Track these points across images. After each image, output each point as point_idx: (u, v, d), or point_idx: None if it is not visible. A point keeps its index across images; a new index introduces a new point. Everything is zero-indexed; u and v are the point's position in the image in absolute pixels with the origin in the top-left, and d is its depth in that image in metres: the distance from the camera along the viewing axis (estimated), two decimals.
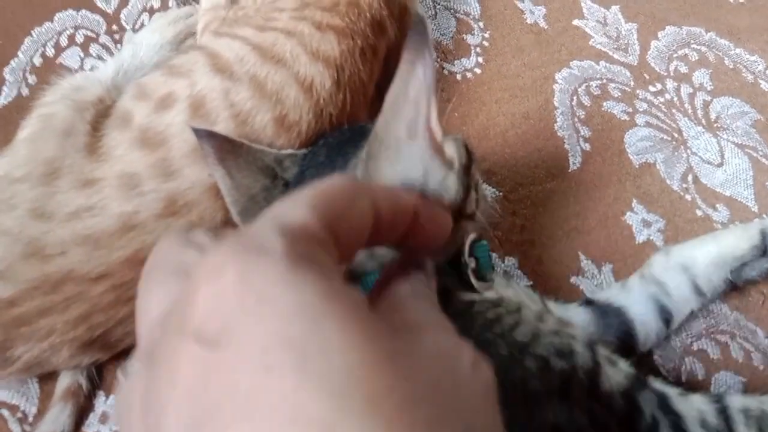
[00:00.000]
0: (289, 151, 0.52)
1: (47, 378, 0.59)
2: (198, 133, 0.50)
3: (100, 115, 0.57)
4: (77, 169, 0.53)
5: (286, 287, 0.21)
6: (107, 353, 0.57)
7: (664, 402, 0.44)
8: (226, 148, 0.49)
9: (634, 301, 0.58)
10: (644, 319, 0.57)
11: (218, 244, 0.23)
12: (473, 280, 0.44)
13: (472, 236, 0.44)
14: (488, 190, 0.69)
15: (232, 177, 0.49)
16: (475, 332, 0.42)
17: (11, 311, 0.52)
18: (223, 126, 0.54)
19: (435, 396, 0.23)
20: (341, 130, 0.52)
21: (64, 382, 0.58)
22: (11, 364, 0.54)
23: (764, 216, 0.68)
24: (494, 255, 0.65)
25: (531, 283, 0.64)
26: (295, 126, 0.56)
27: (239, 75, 0.57)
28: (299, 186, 0.48)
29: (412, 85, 0.37)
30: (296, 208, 0.25)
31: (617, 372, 0.44)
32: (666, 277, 0.58)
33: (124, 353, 0.58)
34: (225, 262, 0.22)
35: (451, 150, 0.40)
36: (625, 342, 0.56)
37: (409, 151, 0.38)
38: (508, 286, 0.51)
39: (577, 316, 0.56)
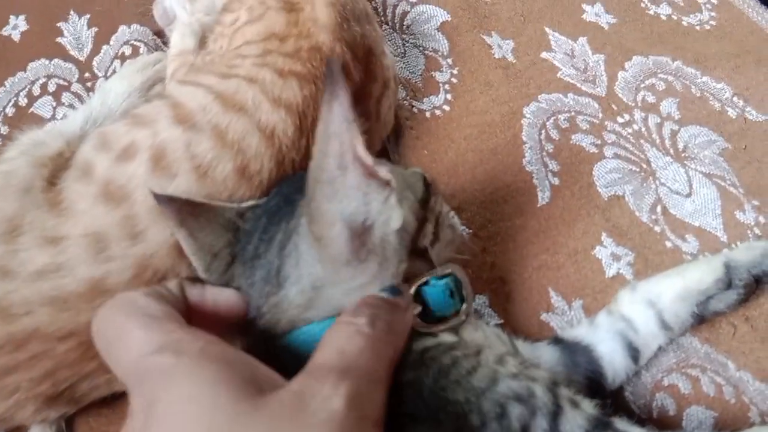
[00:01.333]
0: (250, 203, 0.52)
1: None
2: (158, 198, 0.50)
3: (58, 168, 0.57)
4: (39, 226, 0.53)
5: None
6: (74, 407, 0.56)
7: None
8: (186, 210, 0.49)
9: (602, 338, 0.57)
10: (612, 357, 0.57)
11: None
12: (420, 325, 0.44)
13: (418, 281, 0.44)
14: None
15: (195, 237, 0.49)
16: (430, 380, 0.42)
17: None
18: (184, 178, 0.54)
19: None
20: (296, 178, 0.52)
21: None
22: None
23: (733, 246, 0.68)
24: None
25: (501, 321, 0.64)
26: (256, 175, 0.56)
27: (201, 125, 0.57)
28: (250, 238, 0.48)
29: (331, 122, 0.39)
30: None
31: (579, 414, 0.43)
32: (632, 313, 0.58)
33: (92, 406, 0.57)
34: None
35: (384, 171, 0.42)
36: (594, 380, 0.56)
37: (343, 184, 0.40)
38: (476, 327, 0.50)
39: (546, 355, 0.56)
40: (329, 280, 0.43)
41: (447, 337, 0.45)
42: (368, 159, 0.40)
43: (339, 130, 0.39)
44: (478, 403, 0.41)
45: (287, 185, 0.52)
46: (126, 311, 0.40)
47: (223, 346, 0.37)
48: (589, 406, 0.45)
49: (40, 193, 0.55)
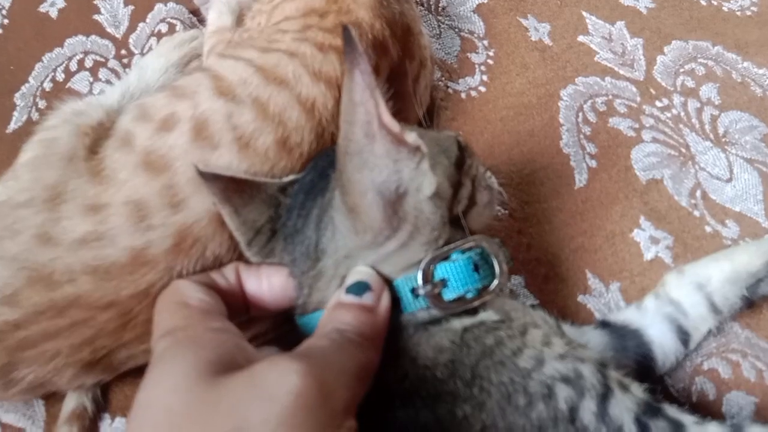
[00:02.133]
0: (290, 177, 0.52)
1: (53, 400, 0.60)
2: (203, 175, 0.50)
3: (99, 137, 0.57)
4: (81, 194, 0.53)
5: None
6: (110, 374, 0.57)
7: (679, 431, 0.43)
8: (231, 188, 0.49)
9: (651, 322, 0.57)
10: (662, 341, 0.56)
11: None
12: (435, 306, 0.42)
13: (428, 257, 0.42)
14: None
15: (239, 214, 0.49)
16: (472, 361, 0.41)
17: (16, 334, 0.52)
18: (226, 149, 0.54)
19: None
20: (328, 151, 0.52)
21: (69, 404, 0.58)
22: (15, 385, 0.54)
23: None
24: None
25: (537, 302, 0.63)
26: (297, 148, 0.56)
27: (242, 97, 0.57)
28: (290, 214, 0.48)
29: (354, 91, 0.38)
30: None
31: (629, 397, 0.43)
32: (681, 296, 0.57)
33: (127, 375, 0.58)
34: None
35: (412, 137, 0.41)
36: (644, 365, 0.55)
37: (372, 152, 0.39)
38: (522, 308, 0.49)
39: (594, 339, 0.56)
40: (366, 250, 0.42)
41: (490, 315, 0.44)
42: (395, 126, 0.40)
43: (363, 98, 0.38)
44: (524, 384, 0.40)
45: (321, 159, 0.51)
46: (168, 297, 0.45)
47: (208, 330, 0.39)
48: (638, 390, 0.44)
49: (82, 162, 0.55)
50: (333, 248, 0.43)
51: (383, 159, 0.40)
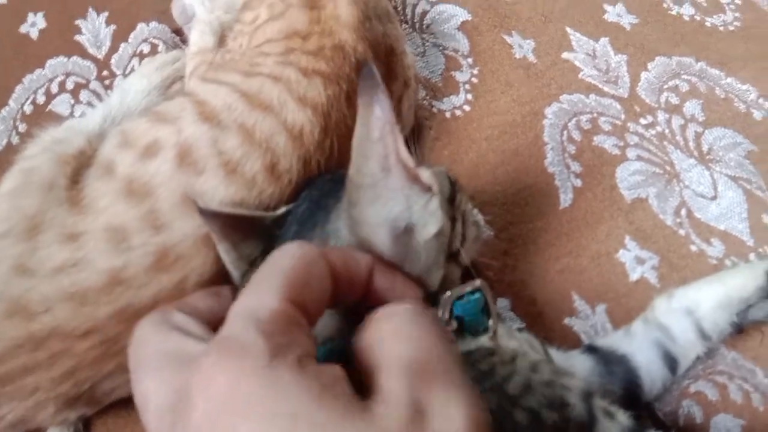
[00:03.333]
0: (284, 209, 0.51)
1: None
2: (203, 212, 0.50)
3: (81, 166, 0.57)
4: (59, 223, 0.52)
5: (269, 391, 0.25)
6: (93, 408, 0.56)
7: None
8: (229, 224, 0.49)
9: (638, 347, 0.56)
10: (649, 367, 0.56)
11: (207, 350, 0.27)
12: (460, 339, 0.42)
13: (449, 294, 0.42)
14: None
15: (236, 249, 0.49)
16: None
17: None
18: (212, 174, 0.54)
19: None
20: (321, 181, 0.52)
21: None
22: None
23: (760, 250, 0.67)
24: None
25: (524, 325, 0.63)
26: (285, 174, 0.55)
27: (227, 123, 0.56)
28: (283, 242, 0.48)
29: (374, 125, 0.38)
30: (264, 296, 0.29)
31: (614, 425, 0.42)
32: (670, 321, 0.57)
33: (111, 407, 0.57)
34: (214, 371, 0.26)
35: (426, 175, 0.41)
36: (631, 391, 0.55)
37: (386, 186, 0.39)
38: (510, 334, 0.49)
39: (580, 364, 0.55)
40: None
41: (485, 341, 0.44)
42: (411, 162, 0.40)
43: (382, 134, 0.38)
44: (512, 410, 0.40)
45: (315, 189, 0.51)
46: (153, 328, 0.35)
47: None
48: (624, 417, 0.43)
49: (62, 191, 0.54)
50: None
51: (397, 193, 0.40)
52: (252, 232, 0.49)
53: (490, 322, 0.44)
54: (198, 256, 0.52)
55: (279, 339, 0.26)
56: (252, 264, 0.49)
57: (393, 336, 0.30)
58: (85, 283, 0.50)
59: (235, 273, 0.50)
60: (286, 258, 0.30)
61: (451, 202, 0.47)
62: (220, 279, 0.52)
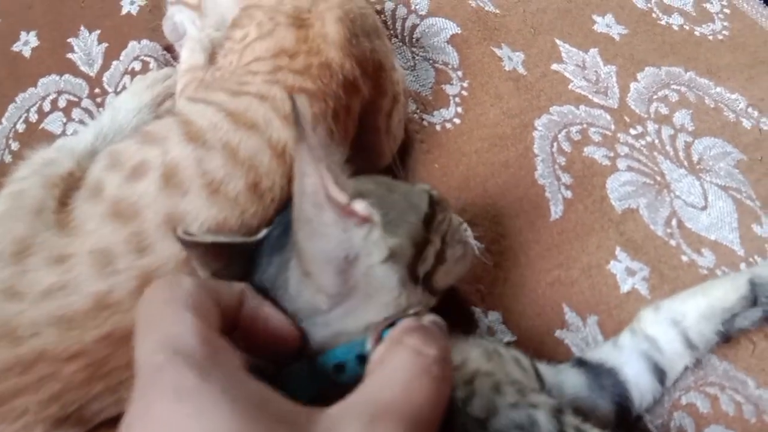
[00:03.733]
0: (264, 233, 0.51)
1: None
2: (184, 243, 0.49)
3: (70, 188, 0.57)
4: (48, 246, 0.52)
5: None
6: (82, 428, 0.55)
7: None
8: (210, 252, 0.49)
9: (627, 360, 0.56)
10: (638, 380, 0.56)
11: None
12: None
13: (375, 323, 0.41)
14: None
15: (219, 276, 0.49)
16: None
17: None
18: (195, 195, 0.54)
19: None
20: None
21: None
22: None
23: (751, 260, 0.67)
24: (476, 310, 0.64)
25: (515, 338, 0.63)
26: (268, 192, 0.55)
27: (212, 143, 0.56)
28: (256, 270, 0.48)
29: (303, 162, 0.38)
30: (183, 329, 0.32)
31: None
32: (656, 332, 0.57)
33: (100, 426, 0.57)
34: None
35: (362, 207, 0.40)
36: (621, 404, 0.55)
37: (320, 223, 0.39)
38: (485, 356, 0.48)
39: (570, 380, 0.55)
40: (320, 314, 0.41)
41: None
42: (342, 198, 0.39)
43: (309, 170, 0.38)
44: None
45: (288, 212, 0.51)
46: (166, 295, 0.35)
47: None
48: None
49: (51, 214, 0.54)
50: (291, 311, 0.42)
51: (331, 228, 0.39)
52: (234, 258, 0.49)
53: None
54: None
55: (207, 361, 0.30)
56: None
57: (399, 382, 0.31)
58: (72, 306, 0.50)
59: None
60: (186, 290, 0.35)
61: (427, 222, 0.47)
62: None
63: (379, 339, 0.40)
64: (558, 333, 0.63)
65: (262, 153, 0.56)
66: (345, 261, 0.40)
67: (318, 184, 0.38)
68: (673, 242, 0.69)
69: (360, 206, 0.40)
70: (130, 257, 0.51)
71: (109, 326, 0.50)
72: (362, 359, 0.40)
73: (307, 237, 0.39)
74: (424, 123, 0.79)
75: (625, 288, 0.66)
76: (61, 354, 0.50)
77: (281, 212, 0.52)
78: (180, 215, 0.53)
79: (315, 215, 0.39)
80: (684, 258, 0.68)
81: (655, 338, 0.57)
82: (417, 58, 0.85)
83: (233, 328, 0.38)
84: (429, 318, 0.38)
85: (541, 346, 0.62)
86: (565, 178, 0.73)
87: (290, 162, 0.57)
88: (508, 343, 0.61)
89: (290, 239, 0.44)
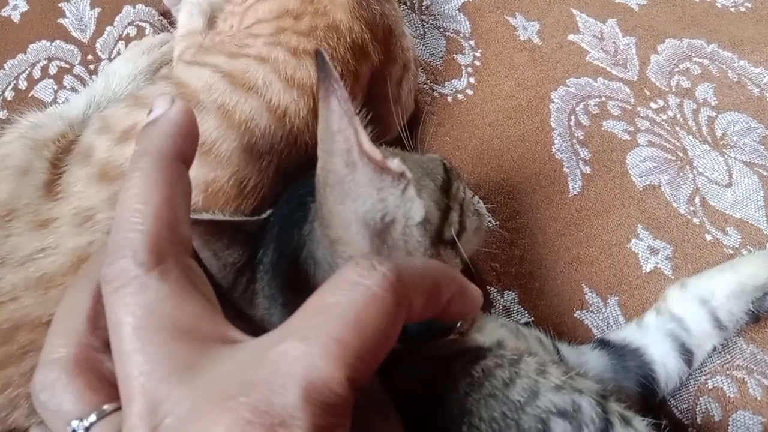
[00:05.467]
0: (269, 212, 0.48)
1: None
2: None
3: (62, 151, 0.53)
4: (33, 209, 0.49)
5: None
6: None
7: None
8: (210, 231, 0.46)
9: (652, 340, 0.53)
10: (664, 360, 0.53)
11: (221, 398, 0.23)
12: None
13: None
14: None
15: (218, 257, 0.46)
16: (460, 395, 0.37)
17: None
18: None
19: None
20: (306, 176, 0.48)
21: None
22: None
23: None
24: (491, 289, 0.61)
25: (532, 319, 0.59)
26: (265, 155, 0.52)
27: (206, 104, 0.53)
28: (267, 249, 0.44)
29: (332, 119, 0.36)
30: (325, 363, 0.23)
31: None
32: (684, 311, 0.54)
33: None
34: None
35: (395, 163, 0.38)
36: (646, 386, 0.52)
37: (353, 182, 0.37)
38: (515, 335, 0.46)
39: (593, 360, 0.52)
40: None
41: (476, 340, 0.41)
42: (376, 153, 0.37)
43: (340, 126, 0.35)
44: (517, 419, 0.36)
45: (299, 187, 0.48)
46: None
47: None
48: (641, 425, 0.40)
49: (39, 175, 0.51)
50: (314, 283, 0.40)
51: (366, 188, 0.37)
52: (235, 239, 0.46)
53: (460, 323, 0.42)
54: None
55: (328, 422, 0.23)
56: (238, 272, 0.46)
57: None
58: (51, 267, 0.47)
59: (221, 284, 0.46)
60: (360, 320, 0.25)
61: (444, 190, 0.45)
62: None
63: None
64: (577, 314, 0.60)
65: (259, 116, 0.53)
66: (381, 223, 0.38)
67: (352, 140, 0.36)
68: (696, 220, 0.65)
69: (394, 163, 0.38)
70: (110, 211, 0.49)
71: None
72: None
73: (338, 200, 0.37)
74: (435, 94, 0.75)
75: (647, 267, 0.62)
76: (41, 318, 0.47)
77: (292, 186, 0.48)
78: None
79: (347, 175, 0.36)
80: (708, 237, 0.64)
81: (682, 317, 0.54)
82: (427, 26, 0.81)
83: None
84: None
85: (559, 327, 0.59)
86: (584, 153, 0.70)
87: (290, 126, 0.54)
88: (526, 324, 0.57)
89: (309, 211, 0.41)
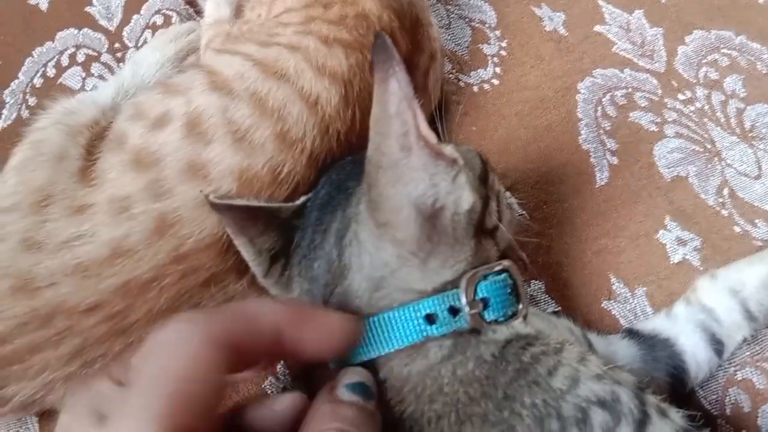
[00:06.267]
0: (303, 199, 0.48)
1: (47, 417, 0.56)
2: (217, 207, 0.47)
3: (96, 137, 0.54)
4: (69, 195, 0.50)
5: None
6: None
7: None
8: (245, 217, 0.46)
9: (682, 330, 0.53)
10: (695, 351, 0.52)
11: None
12: (481, 324, 0.39)
13: (471, 273, 0.39)
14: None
15: (254, 244, 0.46)
16: (505, 381, 0.37)
17: (1, 349, 0.48)
18: (219, 143, 0.51)
19: None
20: (343, 163, 0.49)
21: None
22: (5, 403, 0.51)
23: None
24: None
25: (559, 308, 0.59)
26: (298, 142, 0.53)
27: (238, 92, 0.54)
28: (304, 234, 0.45)
29: (390, 101, 0.36)
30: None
31: (668, 425, 0.39)
32: (714, 302, 0.53)
33: None
34: None
35: (449, 150, 0.39)
36: (676, 377, 0.52)
37: (408, 165, 0.37)
38: (549, 324, 0.46)
39: (622, 350, 0.52)
40: (397, 266, 0.39)
41: (523, 328, 0.41)
42: (432, 137, 0.37)
43: (399, 110, 0.36)
44: (558, 407, 0.36)
45: (336, 172, 0.48)
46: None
47: None
48: (677, 417, 0.40)
49: (74, 162, 0.52)
50: (358, 264, 0.40)
51: (419, 172, 0.37)
52: (270, 225, 0.47)
53: (520, 305, 0.42)
54: (196, 220, 0.50)
55: None
56: (274, 260, 0.47)
57: None
58: (88, 255, 0.48)
59: (257, 270, 0.47)
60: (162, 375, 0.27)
61: (483, 180, 0.45)
62: (220, 245, 0.50)
63: (473, 291, 0.39)
64: (605, 304, 0.60)
65: (292, 104, 0.53)
66: (431, 208, 0.38)
67: (410, 123, 0.36)
68: (725, 212, 0.65)
69: (448, 149, 0.38)
70: (147, 202, 0.50)
71: (125, 275, 0.48)
72: (454, 311, 0.38)
73: (390, 183, 0.37)
74: (461, 84, 0.75)
75: (675, 258, 0.62)
76: (79, 305, 0.48)
77: (328, 172, 0.49)
78: (202, 162, 0.51)
79: (402, 158, 0.36)
80: (737, 229, 0.64)
81: (712, 308, 0.53)
82: (452, 16, 0.81)
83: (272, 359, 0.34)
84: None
85: (586, 317, 0.59)
86: (611, 144, 0.69)
87: (322, 114, 0.54)
88: (554, 313, 0.57)
89: (351, 195, 0.41)
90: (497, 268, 0.41)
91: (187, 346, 0.28)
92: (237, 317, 0.31)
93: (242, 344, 0.30)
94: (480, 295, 0.39)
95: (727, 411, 0.54)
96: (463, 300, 0.38)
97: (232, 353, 0.29)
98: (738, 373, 0.56)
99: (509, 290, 0.41)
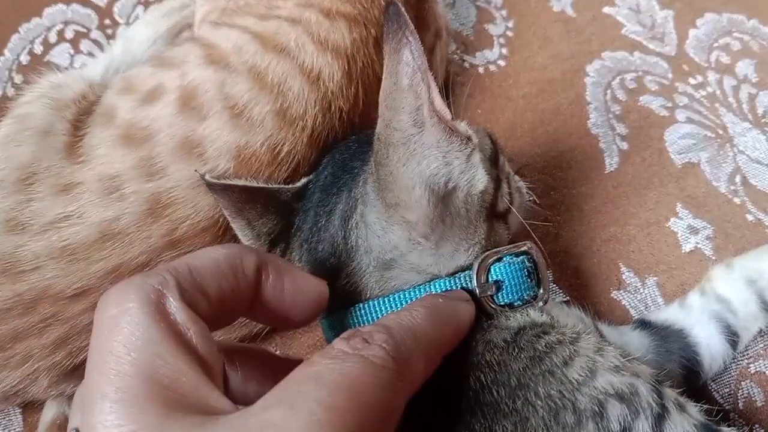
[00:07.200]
0: (304, 180, 0.46)
1: (31, 409, 0.54)
2: (213, 187, 0.45)
3: (83, 112, 0.52)
4: (55, 173, 0.47)
5: None
6: None
7: None
8: (243, 199, 0.44)
9: (696, 321, 0.51)
10: (709, 342, 0.50)
11: None
12: (492, 308, 0.37)
13: (485, 254, 0.38)
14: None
15: (253, 227, 0.44)
16: (519, 367, 0.35)
17: None
18: (215, 119, 0.49)
19: None
20: (346, 143, 0.46)
21: (48, 414, 0.53)
22: None
23: None
24: None
25: (567, 298, 0.57)
26: (299, 120, 0.50)
27: (236, 66, 0.51)
28: (306, 216, 0.42)
29: (403, 73, 0.34)
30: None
31: (686, 419, 0.37)
32: (729, 292, 0.51)
33: None
34: None
35: (463, 127, 0.37)
36: (689, 369, 0.50)
37: (420, 142, 0.35)
38: (565, 313, 0.44)
39: (634, 341, 0.50)
40: (407, 250, 0.37)
41: (539, 316, 0.39)
42: (447, 113, 0.35)
43: (413, 82, 0.34)
44: (574, 399, 0.34)
45: (340, 152, 0.46)
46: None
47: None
48: (695, 411, 0.38)
49: (60, 137, 0.49)
50: (366, 246, 0.38)
51: (433, 150, 0.35)
52: (269, 207, 0.44)
53: (541, 290, 0.39)
54: (191, 201, 0.48)
55: None
56: (273, 243, 0.45)
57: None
58: (76, 237, 0.46)
59: None
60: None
61: (494, 161, 0.43)
62: (216, 228, 0.48)
63: (486, 273, 0.37)
64: (614, 293, 0.58)
65: (292, 78, 0.51)
66: (444, 188, 0.36)
67: (424, 96, 0.34)
68: (737, 200, 0.63)
69: (462, 126, 0.37)
70: (138, 182, 0.47)
71: (115, 259, 0.46)
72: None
73: (401, 161, 0.35)
74: (465, 64, 0.72)
75: (686, 247, 0.60)
76: (65, 291, 0.45)
77: (331, 153, 0.46)
78: (198, 139, 0.48)
79: (414, 134, 0.34)
80: (749, 217, 0.62)
81: (727, 299, 0.51)
82: None
83: (247, 305, 0.31)
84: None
85: (596, 307, 0.57)
86: (620, 128, 0.67)
87: (324, 90, 0.52)
88: (564, 303, 0.55)
89: (356, 175, 0.39)
90: (520, 249, 0.39)
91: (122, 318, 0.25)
92: (213, 260, 0.29)
93: (223, 285, 0.28)
94: (494, 277, 0.37)
95: (740, 404, 0.53)
96: (475, 281, 0.37)
97: (210, 299, 0.28)
98: (751, 366, 0.54)
99: (527, 273, 0.39)
